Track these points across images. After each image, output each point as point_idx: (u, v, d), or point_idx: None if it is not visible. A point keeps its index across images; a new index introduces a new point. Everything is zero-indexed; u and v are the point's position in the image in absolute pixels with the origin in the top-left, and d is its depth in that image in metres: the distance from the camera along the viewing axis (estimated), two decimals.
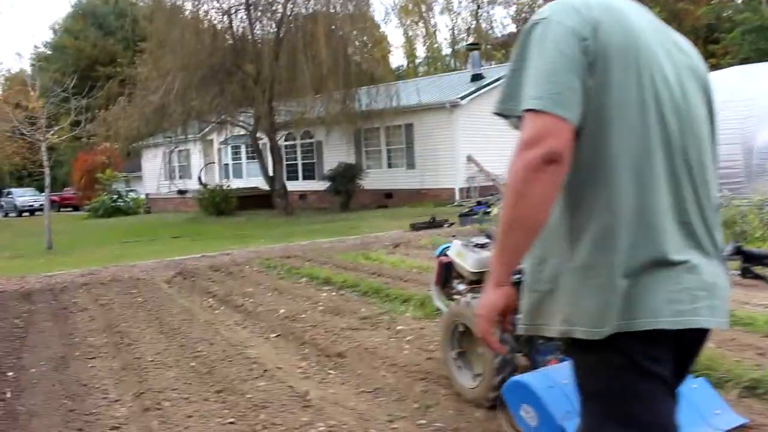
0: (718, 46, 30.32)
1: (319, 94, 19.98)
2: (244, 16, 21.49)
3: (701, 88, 1.78)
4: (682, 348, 1.70)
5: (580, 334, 1.60)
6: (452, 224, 14.86)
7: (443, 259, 4.74)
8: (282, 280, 8.61)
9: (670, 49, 1.73)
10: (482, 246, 4.46)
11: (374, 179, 22.87)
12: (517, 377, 3.28)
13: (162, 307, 7.27)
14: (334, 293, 7.47)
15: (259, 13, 21.44)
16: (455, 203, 20.40)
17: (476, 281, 4.37)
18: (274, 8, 21.33)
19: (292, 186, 23.75)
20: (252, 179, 27.24)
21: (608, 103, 1.59)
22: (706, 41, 31.77)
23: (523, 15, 43.48)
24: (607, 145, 1.59)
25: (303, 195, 25.25)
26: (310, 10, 20.72)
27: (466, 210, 16.22)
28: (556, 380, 3.09)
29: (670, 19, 31.29)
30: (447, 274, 4.73)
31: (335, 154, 23.88)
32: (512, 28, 44.68)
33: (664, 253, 1.59)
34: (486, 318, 1.68)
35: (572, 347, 1.70)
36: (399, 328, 5.63)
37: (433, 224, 14.67)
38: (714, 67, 23.72)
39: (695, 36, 32.57)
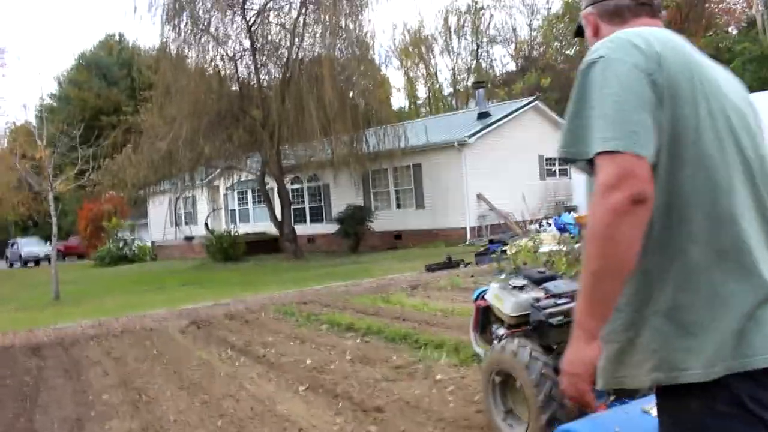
0: None
1: (326, 137, 19.83)
2: (250, 62, 21.49)
3: (754, 116, 1.75)
4: None
5: (685, 377, 1.50)
6: (468, 264, 14.53)
7: (481, 303, 4.53)
8: (302, 328, 8.23)
9: (720, 78, 1.69)
10: (521, 288, 4.25)
11: (383, 221, 22.57)
12: (567, 425, 2.96)
13: (179, 360, 6.90)
14: (358, 340, 7.09)
15: (264, 58, 21.44)
16: (467, 243, 20.06)
17: (515, 325, 4.17)
18: (279, 52, 21.34)
19: (300, 229, 23.46)
20: (259, 224, 26.95)
21: (682, 135, 1.54)
22: None
23: (522, 53, 43.73)
24: (685, 179, 1.54)
25: (311, 238, 24.94)
26: (315, 54, 20.70)
27: (482, 249, 15.87)
28: (607, 427, 2.80)
29: None
30: (485, 318, 4.53)
31: (343, 197, 23.62)
32: (512, 66, 44.95)
33: (757, 289, 1.51)
34: (582, 376, 1.57)
35: (665, 395, 1.59)
36: (438, 377, 5.24)
37: (449, 265, 14.33)
38: None
39: None
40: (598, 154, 1.50)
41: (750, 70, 27.70)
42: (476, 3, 43.26)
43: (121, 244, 30.73)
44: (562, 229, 17.77)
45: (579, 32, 2.08)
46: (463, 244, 20.04)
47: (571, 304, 4.00)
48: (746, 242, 1.53)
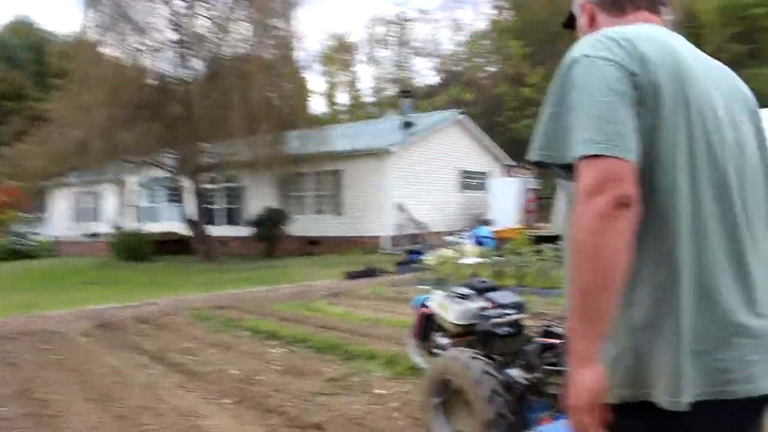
0: None
1: (250, 136, 19.19)
2: (174, 54, 20.57)
3: (752, 121, 1.65)
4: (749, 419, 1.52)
5: (663, 402, 1.42)
6: (389, 273, 14.29)
7: (424, 310, 4.40)
8: (221, 334, 7.71)
9: (718, 81, 1.61)
10: (465, 297, 4.17)
11: (300, 225, 22.05)
12: None
13: (85, 367, 6.27)
14: (284, 350, 6.67)
15: (189, 51, 20.57)
16: (384, 251, 19.85)
17: (459, 334, 4.10)
18: (205, 47, 20.52)
19: (213, 231, 22.64)
20: (170, 223, 25.85)
21: (658, 142, 1.45)
22: None
23: (446, 65, 44.18)
24: (654, 191, 1.45)
25: (225, 241, 24.08)
26: (240, 51, 20.05)
27: (403, 259, 15.67)
28: None
29: None
30: (427, 326, 4.41)
31: (261, 199, 22.95)
32: (434, 79, 45.35)
33: (726, 312, 1.45)
34: (589, 408, 1.40)
35: (622, 412, 1.47)
36: (377, 391, 4.92)
37: (370, 273, 14.06)
38: None
39: None
40: (579, 159, 1.39)
41: None
42: (403, 14, 43.51)
43: (15, 238, 28.85)
44: (479, 242, 17.86)
45: (570, 23, 1.96)
46: (380, 252, 19.83)
47: (518, 315, 3.97)
48: (709, 260, 1.46)
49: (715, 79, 1.60)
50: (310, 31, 67.68)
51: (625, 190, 1.36)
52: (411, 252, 16.89)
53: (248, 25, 19.93)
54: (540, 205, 25.89)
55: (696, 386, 1.41)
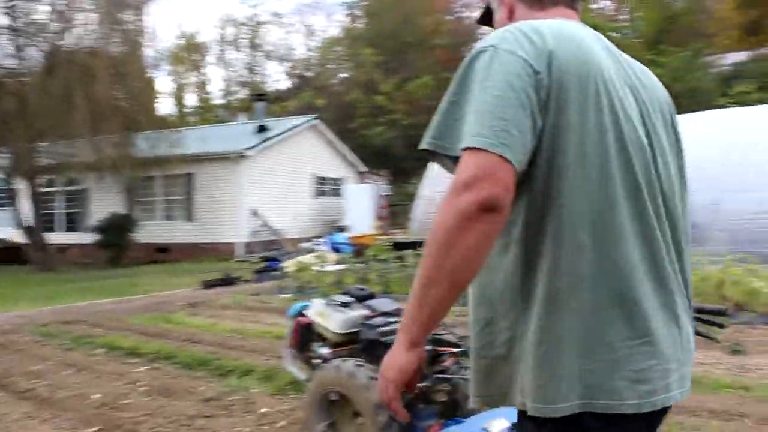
0: None
1: (94, 136, 17.87)
2: (7, 42, 18.74)
3: (668, 123, 1.63)
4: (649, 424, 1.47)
5: (533, 410, 1.41)
6: (247, 281, 13.84)
7: (302, 319, 4.19)
8: (73, 353, 7.01)
9: (633, 81, 1.56)
10: (346, 305, 4.01)
11: (148, 232, 20.89)
12: None
13: None
14: (149, 367, 6.15)
15: (25, 40, 18.82)
16: (238, 258, 19.27)
17: (341, 343, 3.93)
18: (45, 37, 18.85)
19: (52, 238, 20.89)
20: (1, 230, 23.63)
21: (564, 146, 1.39)
22: None
23: (297, 71, 43.86)
24: (561, 195, 1.39)
25: (63, 248, 22.32)
26: (85, 44, 18.65)
27: (261, 266, 15.24)
28: None
29: (440, 85, 33.40)
30: (306, 336, 4.19)
31: (105, 204, 21.48)
32: (286, 83, 44.87)
33: (634, 321, 1.40)
34: (395, 382, 1.50)
35: (523, 422, 1.48)
36: (263, 410, 4.60)
37: (227, 281, 13.54)
38: None
39: None
40: (463, 150, 1.33)
41: None
42: (255, 16, 42.72)
43: None
44: (335, 248, 17.80)
45: (484, 18, 1.90)
46: (236, 259, 19.23)
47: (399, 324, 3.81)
48: (618, 269, 1.40)
49: (630, 80, 1.55)
50: (160, 28, 64.79)
51: (495, 192, 1.29)
52: (269, 259, 16.49)
53: (95, 16, 18.57)
54: (392, 212, 26.35)
55: (579, 396, 1.39)
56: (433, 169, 16.24)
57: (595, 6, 38.35)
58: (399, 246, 13.20)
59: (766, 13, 30.52)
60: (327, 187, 24.79)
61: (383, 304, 4.13)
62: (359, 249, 15.03)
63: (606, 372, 1.38)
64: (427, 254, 1.35)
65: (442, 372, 3.62)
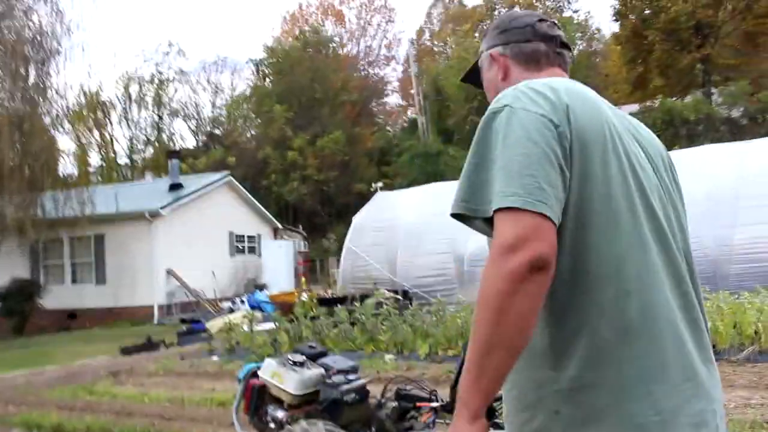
0: (390, 167, 33.14)
1: None
2: None
3: (668, 168, 1.67)
4: None
5: None
6: (171, 344, 13.08)
7: (254, 381, 3.97)
8: None
9: (633, 132, 1.59)
10: (301, 364, 3.83)
11: (55, 298, 19.59)
12: None
13: None
14: None
15: None
16: (158, 322, 18.33)
17: (298, 405, 3.75)
18: None
19: None
20: None
21: (590, 195, 1.40)
22: (379, 163, 34.59)
23: (205, 129, 43.16)
24: (593, 244, 1.39)
25: None
26: None
27: (184, 328, 14.49)
28: None
29: (350, 140, 33.66)
30: (259, 399, 3.98)
31: (7, 269, 20.02)
32: (193, 141, 44.03)
33: (685, 363, 1.40)
34: None
35: None
36: None
37: (149, 346, 12.75)
38: (389, 187, 25.77)
39: (369, 158, 35.44)
40: (497, 210, 1.32)
41: (417, 164, 30.76)
42: (160, 74, 41.92)
43: None
44: (256, 307, 17.28)
45: (471, 76, 1.93)
46: (152, 323, 18.29)
47: (362, 380, 3.76)
48: (659, 312, 1.40)
49: (631, 131, 1.58)
50: (63, 85, 62.68)
51: (543, 251, 1.28)
52: (192, 321, 15.75)
53: None
54: (309, 268, 25.95)
55: None
56: (356, 224, 16.11)
57: None
58: (325, 302, 12.87)
59: (649, 69, 32.54)
60: (243, 244, 24.17)
61: (338, 361, 3.98)
62: (285, 307, 14.52)
63: (670, 418, 1.36)
64: (481, 322, 1.31)
65: (409, 429, 3.54)
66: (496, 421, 3.41)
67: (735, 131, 26.82)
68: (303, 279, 22.76)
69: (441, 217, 14.42)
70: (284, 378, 3.76)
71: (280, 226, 26.29)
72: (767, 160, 11.96)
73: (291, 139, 32.66)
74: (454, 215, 1.46)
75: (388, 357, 9.00)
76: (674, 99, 30.04)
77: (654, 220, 1.46)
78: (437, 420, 3.54)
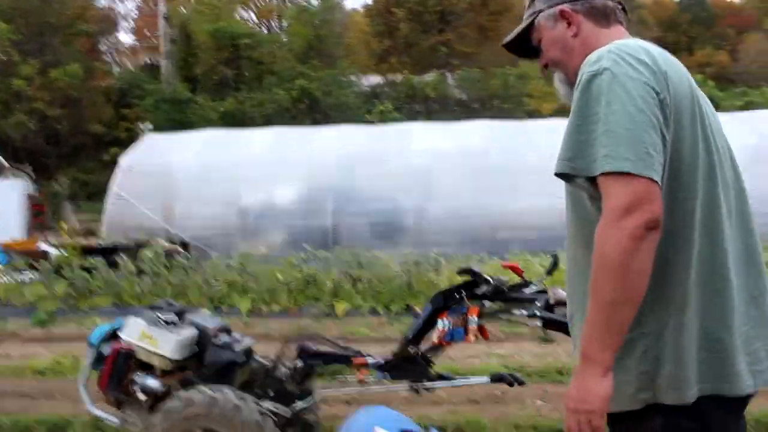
0: (131, 110, 30.15)
1: None
2: None
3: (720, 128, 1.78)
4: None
5: (670, 399, 1.53)
6: None
7: (117, 346, 3.28)
8: None
9: (709, 105, 1.70)
10: (174, 323, 3.29)
11: None
12: None
13: None
14: None
15: None
16: None
17: (172, 371, 3.24)
18: None
19: None
20: None
21: (680, 158, 1.52)
22: (118, 105, 31.34)
23: None
24: (679, 202, 1.53)
25: None
26: None
27: None
28: None
29: (86, 76, 29.95)
30: (123, 367, 3.28)
31: None
32: None
33: (748, 306, 1.59)
34: (602, 411, 1.47)
35: (629, 417, 1.58)
36: None
37: None
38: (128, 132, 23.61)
39: (107, 98, 31.95)
40: (606, 174, 1.43)
41: (163, 109, 28.44)
42: None
43: None
44: None
45: (518, 42, 1.93)
46: None
47: (248, 340, 3.41)
48: (726, 265, 1.56)
49: (708, 102, 1.68)
50: None
51: (656, 212, 1.41)
52: None
53: None
54: (39, 213, 22.70)
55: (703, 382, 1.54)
56: (124, 167, 14.24)
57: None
58: (93, 252, 11.19)
59: (396, 44, 34.02)
60: None
61: (205, 319, 3.52)
62: (32, 256, 12.32)
63: (730, 356, 1.54)
64: (605, 279, 1.42)
65: (308, 391, 3.33)
66: (441, 373, 3.27)
67: (467, 113, 29.22)
68: (31, 226, 19.86)
69: (222, 166, 13.62)
70: (159, 340, 3.18)
71: (6, 164, 22.49)
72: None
73: (18, 66, 27.99)
74: (558, 174, 1.55)
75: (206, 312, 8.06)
76: (416, 76, 31.81)
77: (724, 181, 1.59)
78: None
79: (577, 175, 1.51)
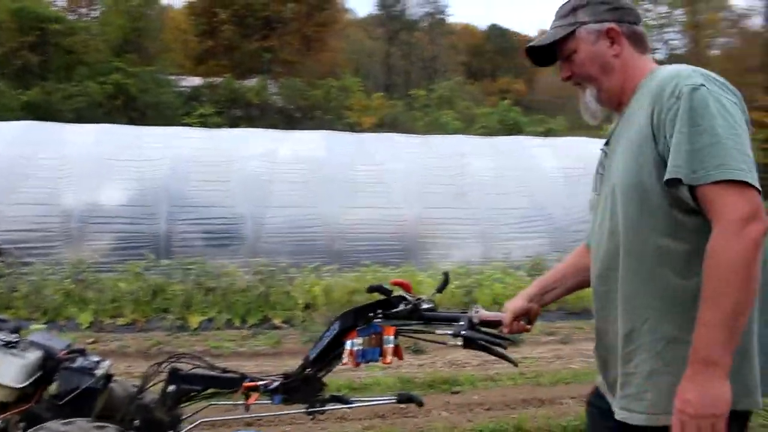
0: None
1: None
2: None
3: None
4: None
5: (743, 405, 1.58)
6: None
7: None
8: None
9: None
10: (14, 345, 2.76)
11: None
12: None
13: None
14: None
15: None
16: None
17: (14, 402, 2.67)
18: None
19: None
20: None
21: None
22: None
23: None
24: None
25: None
26: None
27: None
28: None
29: None
30: None
31: None
32: None
33: None
34: (722, 417, 1.48)
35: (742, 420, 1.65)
36: None
37: None
38: None
39: None
40: (719, 183, 1.48)
41: None
42: None
43: None
44: None
45: (544, 52, 1.92)
46: None
47: (106, 362, 2.92)
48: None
49: None
50: None
51: (767, 222, 1.48)
52: None
53: None
54: None
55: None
56: None
57: None
58: None
59: (219, 44, 33.00)
60: None
61: (50, 338, 3.02)
62: None
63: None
64: (731, 286, 1.45)
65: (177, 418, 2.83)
66: (336, 395, 3.03)
67: (288, 122, 29.01)
68: None
69: (39, 163, 12.35)
70: None
71: None
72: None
73: None
74: (668, 181, 1.55)
75: (37, 327, 7.24)
76: (238, 81, 31.02)
77: None
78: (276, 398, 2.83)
79: (690, 183, 1.53)
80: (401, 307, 2.53)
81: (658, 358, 1.62)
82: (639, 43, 1.82)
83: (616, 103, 1.84)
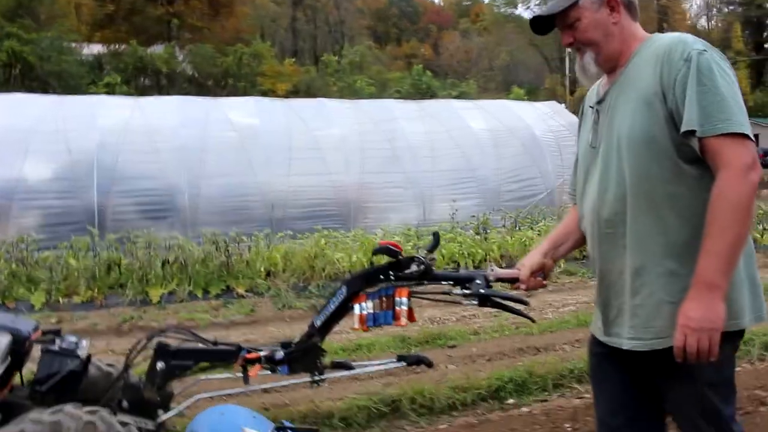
0: None
1: None
2: None
3: None
4: None
5: (733, 327, 1.79)
6: None
7: None
8: None
9: None
10: None
11: None
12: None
13: None
14: None
15: None
16: None
17: None
18: None
19: None
20: None
21: None
22: None
23: None
24: None
25: None
26: None
27: None
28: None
29: None
30: None
31: None
32: None
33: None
34: (719, 330, 1.70)
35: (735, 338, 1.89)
36: None
37: None
38: None
39: None
40: (726, 135, 1.69)
41: None
42: None
43: None
44: None
45: (544, 21, 2.01)
46: None
47: (84, 343, 2.70)
48: None
49: None
50: None
51: (761, 169, 1.80)
52: None
53: None
54: None
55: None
56: None
57: None
58: None
59: (121, 8, 31.29)
60: None
61: (12, 320, 2.75)
62: None
63: (760, 292, 1.88)
64: (735, 221, 1.69)
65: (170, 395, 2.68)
66: (338, 361, 2.86)
67: (199, 90, 27.94)
68: None
69: None
70: None
71: None
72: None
73: None
74: (685, 132, 1.73)
75: None
76: (143, 48, 29.58)
77: None
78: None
79: (702, 135, 1.71)
80: (413, 268, 2.43)
81: (663, 290, 1.81)
82: (633, 10, 1.97)
83: (612, 65, 1.96)
